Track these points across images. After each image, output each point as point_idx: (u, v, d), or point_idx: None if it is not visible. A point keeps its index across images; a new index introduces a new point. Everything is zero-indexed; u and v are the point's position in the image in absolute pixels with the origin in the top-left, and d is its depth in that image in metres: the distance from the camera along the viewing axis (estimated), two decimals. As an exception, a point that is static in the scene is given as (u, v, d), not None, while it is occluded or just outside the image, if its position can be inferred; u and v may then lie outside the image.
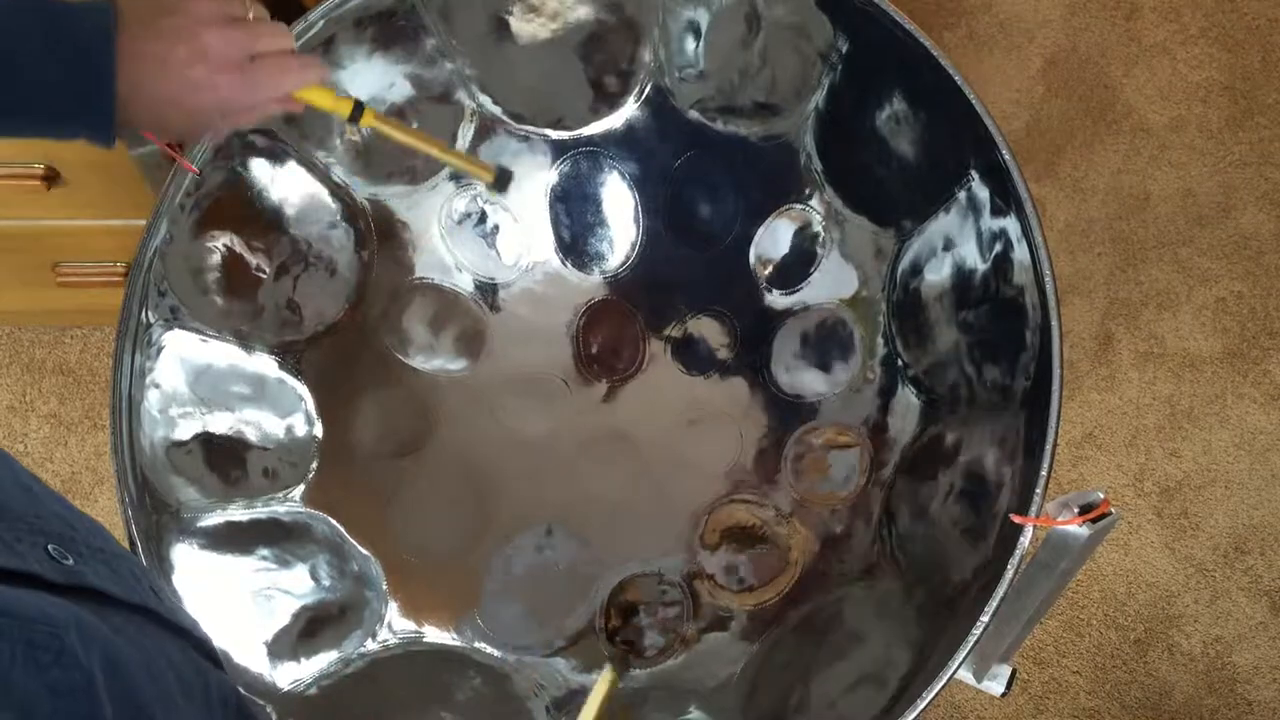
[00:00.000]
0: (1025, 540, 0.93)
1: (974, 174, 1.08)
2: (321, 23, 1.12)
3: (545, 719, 1.17)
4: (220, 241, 1.15)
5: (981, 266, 1.10)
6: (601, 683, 1.05)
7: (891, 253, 1.20)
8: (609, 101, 1.25)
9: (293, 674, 1.12)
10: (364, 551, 1.20)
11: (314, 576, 1.18)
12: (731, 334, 1.30)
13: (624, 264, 1.31)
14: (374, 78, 1.19)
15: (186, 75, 0.80)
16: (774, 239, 1.27)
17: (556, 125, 1.27)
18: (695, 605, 1.22)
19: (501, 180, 1.17)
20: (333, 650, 1.15)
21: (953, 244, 1.13)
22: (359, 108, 0.97)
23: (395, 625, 1.19)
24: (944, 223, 1.13)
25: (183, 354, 1.13)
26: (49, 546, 0.56)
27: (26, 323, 1.87)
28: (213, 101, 0.82)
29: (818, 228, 1.25)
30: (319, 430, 1.21)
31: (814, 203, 1.24)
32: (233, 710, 0.64)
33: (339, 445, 1.22)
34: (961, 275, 1.13)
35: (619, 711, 1.06)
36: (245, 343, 1.17)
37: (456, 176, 1.27)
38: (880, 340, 1.22)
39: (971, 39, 2.03)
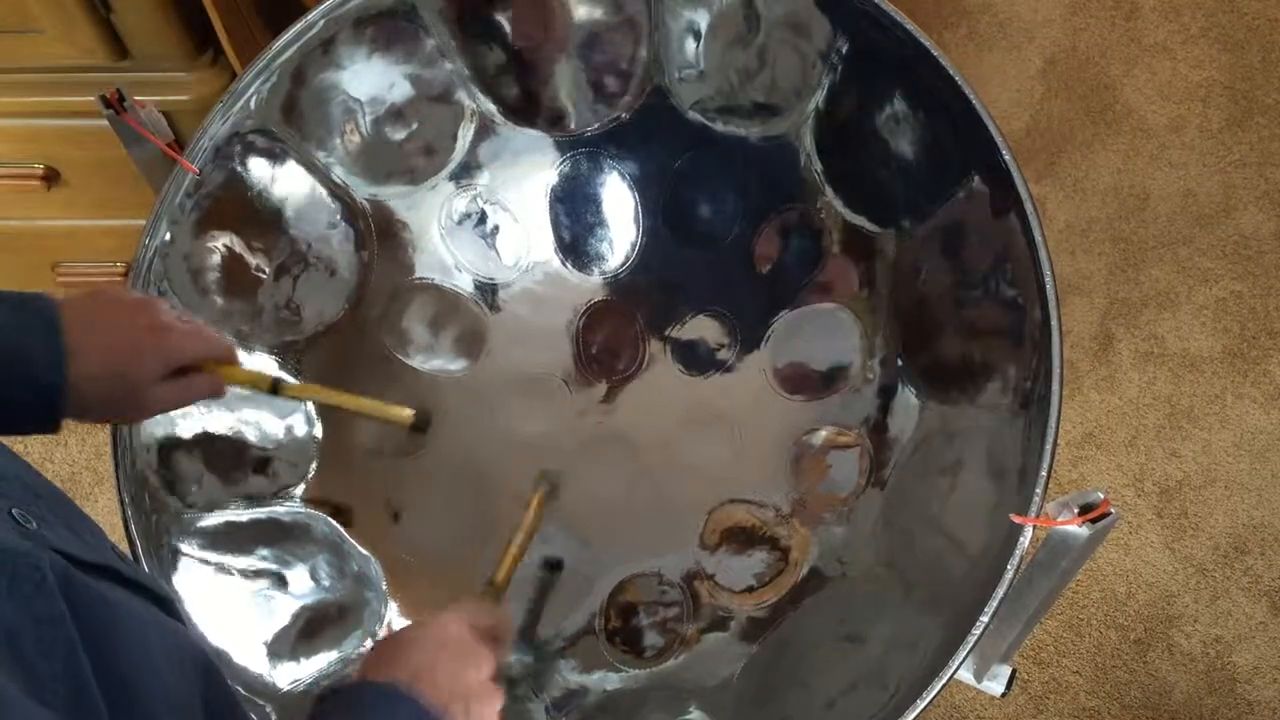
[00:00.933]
0: (1025, 540, 0.93)
1: (974, 174, 1.08)
2: (321, 22, 1.12)
3: (545, 719, 1.17)
4: (220, 241, 1.15)
5: (981, 267, 1.10)
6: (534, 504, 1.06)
7: (892, 253, 1.20)
8: (609, 101, 1.25)
9: (292, 674, 1.12)
10: (363, 551, 1.20)
11: (314, 576, 1.18)
12: (731, 334, 1.29)
13: (624, 264, 1.31)
14: (374, 78, 1.19)
15: (131, 321, 0.87)
16: (774, 239, 1.27)
17: (557, 125, 1.27)
18: (695, 605, 1.22)
19: (421, 423, 1.09)
20: (332, 650, 1.15)
21: (952, 244, 1.13)
22: (276, 383, 1.01)
23: (395, 625, 1.19)
24: (944, 223, 1.13)
25: (182, 354, 1.12)
26: (13, 510, 0.60)
27: (26, 323, 1.86)
28: (157, 343, 0.87)
29: (817, 228, 1.25)
30: (319, 430, 1.21)
31: (814, 203, 1.24)
32: (200, 668, 0.67)
33: (339, 445, 1.22)
34: (961, 275, 1.13)
35: (487, 590, 1.06)
36: (245, 343, 1.18)
37: (456, 176, 1.27)
38: (880, 340, 1.22)
39: (971, 39, 2.03)
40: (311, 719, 0.73)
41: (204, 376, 0.93)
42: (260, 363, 1.19)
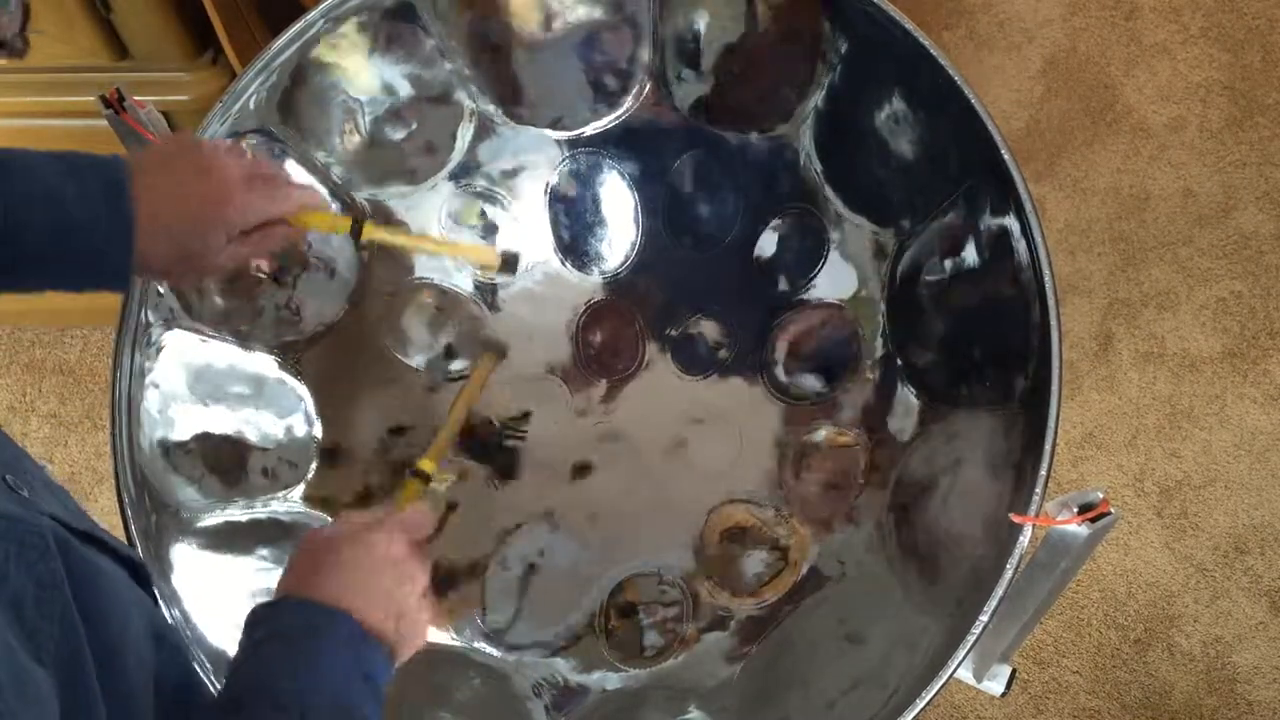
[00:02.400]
0: (1025, 540, 0.93)
1: (974, 174, 1.07)
2: (321, 22, 1.12)
3: (545, 719, 1.17)
4: (318, 190, 1.15)
5: (981, 267, 1.10)
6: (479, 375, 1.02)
7: (891, 253, 1.20)
8: (609, 101, 1.25)
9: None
10: (364, 551, 1.19)
11: (314, 576, 1.17)
12: (731, 334, 1.29)
13: (623, 264, 1.31)
14: (374, 78, 1.19)
15: (199, 190, 0.87)
16: (774, 239, 1.27)
17: (556, 125, 1.26)
18: (695, 605, 1.22)
19: (509, 264, 1.15)
20: (332, 650, 1.15)
21: (952, 244, 1.13)
22: (358, 225, 1.01)
23: (395, 625, 1.19)
24: (944, 223, 1.13)
25: (182, 354, 1.13)
26: (6, 477, 0.62)
27: (26, 323, 1.87)
28: (224, 213, 0.87)
29: (817, 228, 1.25)
30: (318, 430, 1.21)
31: (814, 203, 1.24)
32: (158, 635, 0.70)
33: (339, 445, 1.22)
34: (961, 275, 1.13)
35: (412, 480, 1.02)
36: (245, 343, 1.18)
37: (456, 176, 1.27)
38: (880, 340, 1.22)
39: (971, 39, 2.03)
40: (252, 644, 0.71)
41: (278, 229, 0.92)
42: (261, 362, 1.19)
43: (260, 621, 0.73)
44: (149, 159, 0.87)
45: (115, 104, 1.06)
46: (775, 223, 1.26)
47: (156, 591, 0.95)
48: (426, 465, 1.03)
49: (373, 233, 1.02)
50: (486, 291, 1.31)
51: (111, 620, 0.62)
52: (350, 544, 0.79)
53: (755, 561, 1.23)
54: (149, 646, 0.68)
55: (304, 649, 0.70)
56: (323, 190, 0.99)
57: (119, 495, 1.05)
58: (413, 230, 1.27)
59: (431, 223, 1.28)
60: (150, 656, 0.68)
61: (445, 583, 1.21)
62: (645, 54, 1.21)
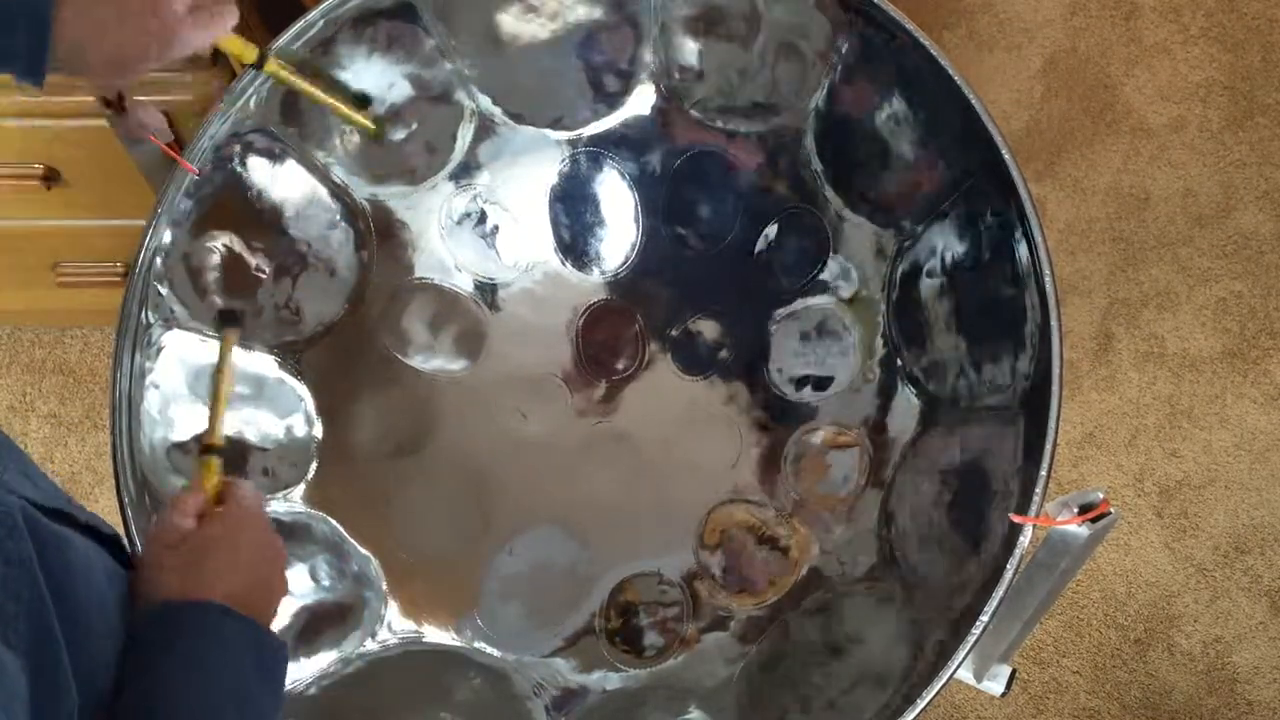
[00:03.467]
0: (1025, 540, 0.93)
1: (974, 174, 1.07)
2: (321, 22, 1.12)
3: (545, 719, 1.17)
4: (220, 241, 1.15)
5: (981, 267, 1.10)
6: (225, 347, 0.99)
7: (891, 253, 1.20)
8: (609, 101, 1.25)
9: (292, 674, 1.12)
10: (363, 551, 1.20)
11: (314, 576, 1.18)
12: (731, 334, 1.29)
13: (624, 264, 1.31)
14: (374, 78, 1.19)
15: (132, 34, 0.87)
16: (774, 240, 1.27)
17: (556, 125, 1.26)
18: (695, 605, 1.22)
19: (379, 133, 1.20)
20: (332, 650, 1.15)
21: (952, 244, 1.13)
22: (263, 56, 1.05)
23: (395, 625, 1.19)
24: (944, 223, 1.13)
25: (182, 354, 1.13)
26: None
27: (26, 323, 1.87)
28: (154, 31, 0.87)
29: (818, 228, 1.25)
30: (318, 430, 1.21)
31: (814, 203, 1.24)
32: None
33: (339, 445, 1.22)
34: (961, 275, 1.13)
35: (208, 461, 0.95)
36: (245, 343, 1.17)
37: (456, 176, 1.27)
38: (880, 340, 1.22)
39: (971, 39, 2.03)
40: (133, 657, 0.68)
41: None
42: (260, 362, 1.19)
43: (138, 630, 0.70)
44: None
45: (115, 104, 1.06)
46: (775, 223, 1.26)
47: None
48: (216, 440, 0.96)
49: (275, 68, 1.07)
50: (487, 291, 1.31)
51: (84, 599, 0.62)
52: (218, 532, 0.79)
53: (755, 561, 1.23)
54: (123, 618, 0.68)
55: (196, 652, 0.70)
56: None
57: (119, 495, 1.05)
58: (413, 229, 1.27)
59: (431, 222, 1.28)
60: (125, 627, 0.68)
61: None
62: (645, 54, 1.21)
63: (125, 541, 0.77)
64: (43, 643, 0.56)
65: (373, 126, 1.18)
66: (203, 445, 0.93)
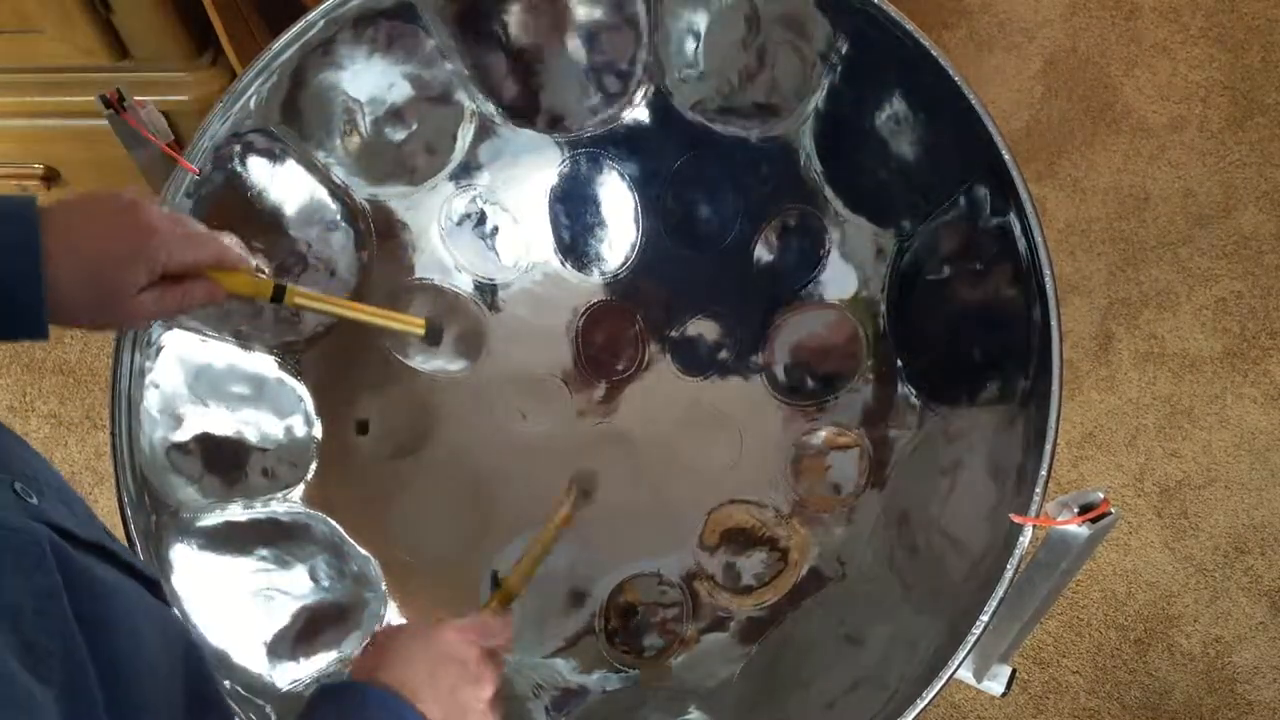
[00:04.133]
0: (1025, 540, 0.93)
1: (974, 174, 1.07)
2: (321, 22, 1.12)
3: (545, 719, 1.17)
4: (239, 250, 1.15)
5: (981, 267, 1.10)
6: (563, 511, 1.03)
7: (891, 253, 1.20)
8: (609, 101, 1.25)
9: (292, 674, 1.12)
10: (363, 552, 1.20)
11: (313, 577, 1.18)
12: (731, 335, 1.29)
13: (624, 265, 1.31)
14: (374, 78, 1.19)
15: (118, 224, 0.84)
16: (774, 240, 1.27)
17: (556, 125, 1.27)
18: (695, 606, 1.22)
19: (433, 334, 1.12)
20: (332, 650, 1.15)
21: (952, 244, 1.13)
22: (280, 290, 0.98)
23: (395, 625, 1.19)
24: (944, 223, 1.13)
25: (182, 354, 1.13)
26: (15, 485, 0.60)
27: (26, 323, 1.87)
28: (142, 248, 0.84)
29: (817, 228, 1.25)
30: (318, 430, 1.21)
31: (814, 203, 1.24)
32: (184, 650, 0.68)
33: (338, 445, 1.22)
34: (961, 275, 1.13)
35: (496, 593, 1.01)
36: (244, 343, 1.18)
37: (456, 177, 1.27)
38: (880, 340, 1.22)
39: (971, 39, 2.03)
40: (308, 715, 0.72)
41: (199, 283, 0.90)
42: (261, 362, 1.19)
43: (324, 694, 0.74)
44: (66, 201, 0.84)
45: (115, 104, 1.06)
46: (775, 223, 1.26)
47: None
48: (513, 583, 1.02)
49: (295, 298, 1.00)
50: (487, 292, 1.31)
51: (119, 634, 0.61)
52: (419, 639, 0.80)
53: (755, 562, 1.23)
54: (164, 657, 0.66)
55: None
56: (245, 254, 0.97)
57: (119, 495, 1.05)
58: (413, 229, 1.27)
59: (432, 223, 1.28)
60: (167, 667, 0.66)
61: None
62: (645, 54, 1.21)
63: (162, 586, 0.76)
64: (77, 678, 0.55)
65: (422, 328, 1.10)
66: (500, 582, 0.99)
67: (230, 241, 1.03)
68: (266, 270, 1.18)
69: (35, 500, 0.61)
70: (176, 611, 1.04)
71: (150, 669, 0.63)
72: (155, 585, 0.71)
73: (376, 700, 0.73)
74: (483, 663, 0.82)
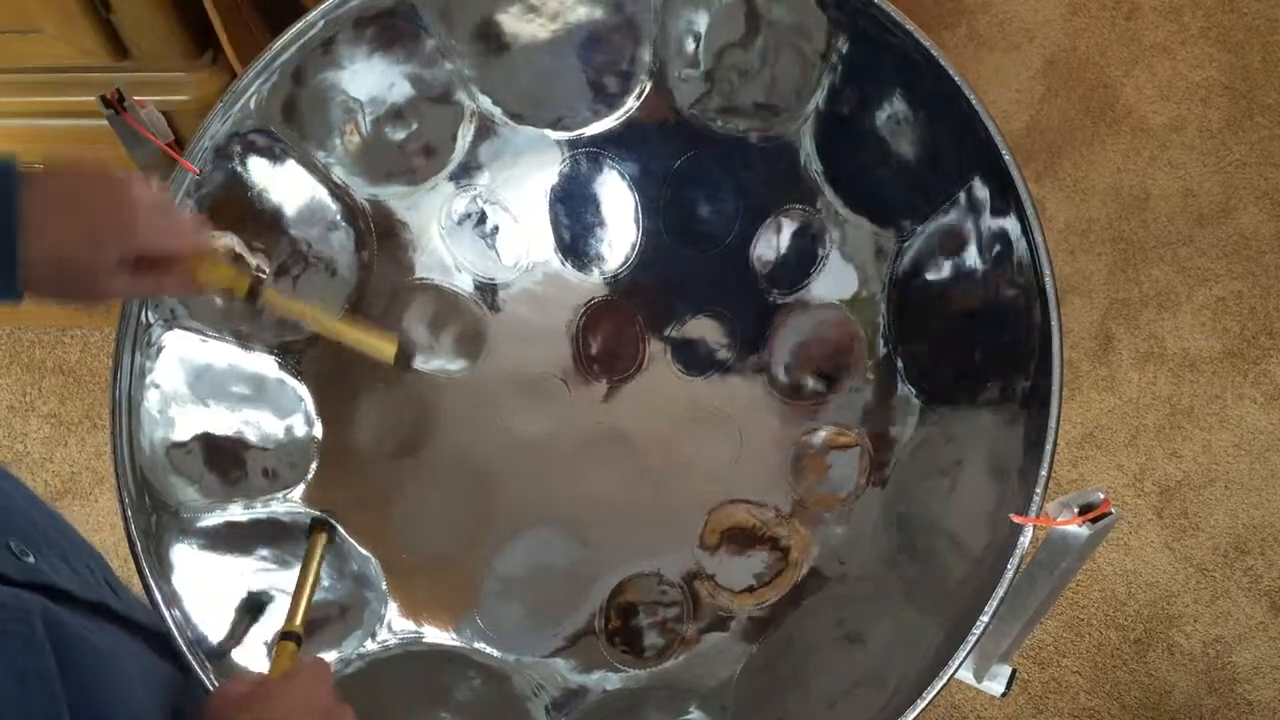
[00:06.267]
0: (1025, 540, 0.93)
1: (974, 174, 1.08)
2: (322, 22, 1.12)
3: (545, 719, 1.17)
4: (220, 242, 1.15)
5: (981, 267, 1.10)
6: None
7: (891, 253, 1.20)
8: (609, 101, 1.25)
9: (274, 640, 1.11)
10: (363, 552, 1.20)
11: (314, 577, 1.18)
12: (731, 334, 1.29)
13: (624, 264, 1.31)
14: (374, 78, 1.19)
15: (98, 200, 0.81)
16: (774, 240, 1.27)
17: (556, 125, 1.27)
18: (695, 605, 1.22)
19: (402, 359, 1.08)
20: (332, 650, 1.15)
21: (952, 244, 1.13)
22: (257, 286, 0.95)
23: (395, 625, 1.19)
24: (944, 223, 1.13)
25: (182, 354, 1.13)
26: (10, 543, 0.57)
27: (26, 323, 1.87)
28: (119, 226, 0.82)
29: (817, 228, 1.25)
30: (318, 430, 1.21)
31: (814, 203, 1.24)
32: (173, 706, 0.65)
33: (339, 445, 1.22)
34: (961, 275, 1.13)
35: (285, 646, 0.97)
36: (245, 343, 1.17)
37: (456, 177, 1.27)
38: (880, 340, 1.22)
39: (971, 39, 2.03)
40: None
41: (176, 271, 0.87)
42: (261, 362, 1.19)
43: None
44: (53, 165, 0.82)
45: (115, 104, 1.06)
46: (775, 223, 1.26)
47: (182, 651, 0.92)
48: (296, 627, 0.98)
49: (272, 299, 0.98)
50: (487, 291, 1.31)
51: (109, 703, 0.57)
52: (277, 687, 0.74)
53: (755, 561, 1.23)
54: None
55: None
56: (231, 241, 0.95)
57: (119, 495, 1.05)
58: (413, 229, 1.27)
59: (432, 223, 1.28)
60: None
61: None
62: (645, 54, 1.21)
63: (173, 631, 0.74)
64: None
65: (392, 351, 1.06)
66: (282, 631, 0.93)
67: (231, 241, 1.02)
68: (267, 270, 1.18)
69: (32, 559, 0.58)
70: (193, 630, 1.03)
71: None
72: (160, 639, 0.68)
73: None
74: (339, 705, 0.77)
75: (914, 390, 1.19)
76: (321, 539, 1.01)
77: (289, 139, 1.17)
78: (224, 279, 0.94)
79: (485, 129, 1.25)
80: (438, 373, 1.29)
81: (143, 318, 1.08)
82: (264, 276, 0.97)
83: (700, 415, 1.29)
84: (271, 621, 1.13)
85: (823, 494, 1.24)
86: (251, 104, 1.12)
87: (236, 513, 1.15)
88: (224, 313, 1.16)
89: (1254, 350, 1.82)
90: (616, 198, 1.30)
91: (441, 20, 1.18)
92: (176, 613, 1.05)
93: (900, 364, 1.20)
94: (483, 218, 1.30)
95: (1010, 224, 1.04)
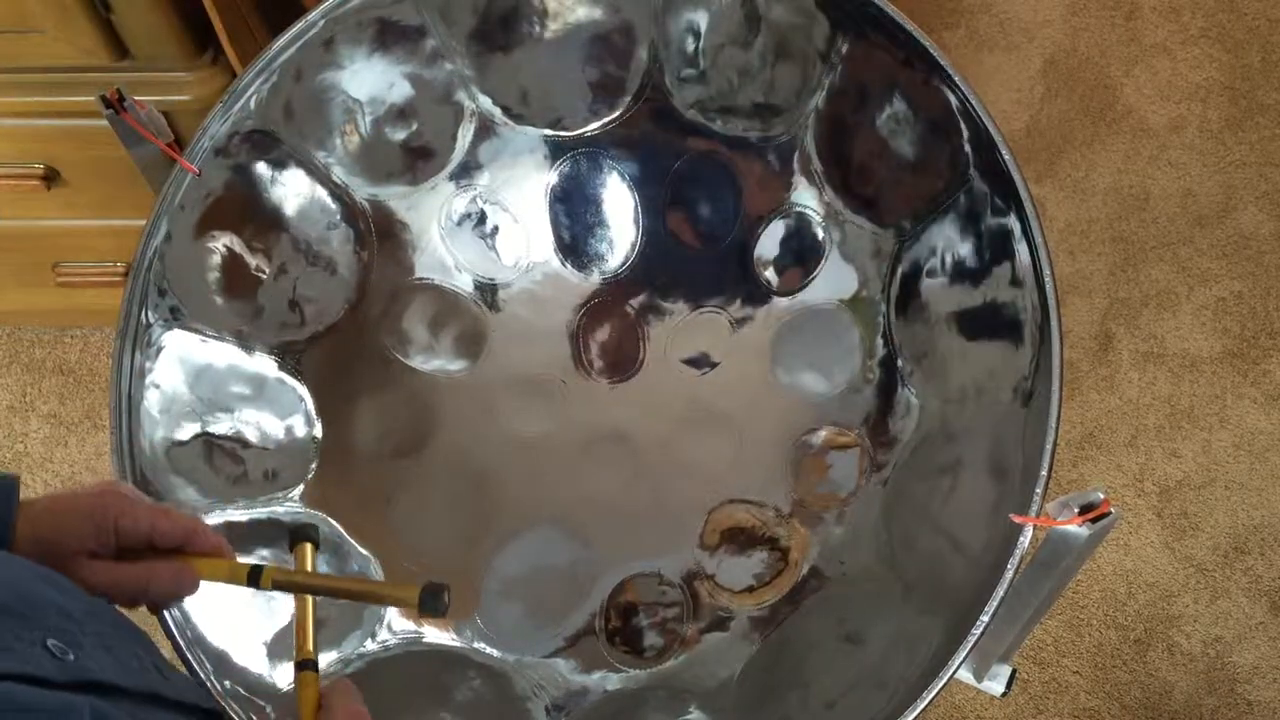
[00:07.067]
0: (1025, 540, 0.93)
1: (974, 174, 1.08)
2: (322, 22, 1.12)
3: (545, 719, 1.17)
4: (220, 241, 1.15)
5: (981, 267, 1.10)
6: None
7: (891, 253, 1.20)
8: (608, 102, 1.25)
9: (293, 675, 1.12)
10: (363, 551, 1.20)
11: (314, 577, 1.17)
12: (731, 335, 1.29)
13: (624, 264, 1.31)
14: (374, 78, 1.19)
15: (85, 487, 0.77)
16: (774, 240, 1.27)
17: (556, 125, 1.27)
18: (695, 605, 1.22)
19: (429, 603, 0.99)
20: (332, 650, 1.15)
21: (952, 244, 1.13)
22: (256, 571, 0.87)
23: (395, 625, 1.19)
24: (944, 223, 1.13)
25: (182, 354, 1.13)
26: (48, 642, 0.55)
27: (26, 323, 1.87)
28: (96, 502, 0.76)
29: (817, 228, 1.25)
30: (319, 430, 1.21)
31: (814, 203, 1.24)
32: None
33: (339, 445, 1.22)
34: (961, 275, 1.13)
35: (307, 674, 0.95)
36: (245, 343, 1.17)
37: (456, 177, 1.27)
38: (880, 340, 1.22)
39: (971, 39, 2.03)
40: None
41: (167, 564, 0.78)
42: (260, 363, 1.19)
43: None
44: (38, 499, 0.75)
45: (115, 104, 1.06)
46: (775, 223, 1.26)
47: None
48: (309, 654, 0.96)
49: (276, 577, 0.88)
50: (487, 291, 1.31)
51: None
52: None
53: (755, 561, 1.23)
54: None
55: None
56: (223, 541, 0.88)
57: (119, 495, 1.05)
58: (413, 229, 1.27)
59: (432, 223, 1.28)
60: None
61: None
62: (644, 54, 1.21)
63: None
64: None
65: (415, 599, 0.90)
66: (297, 661, 0.90)
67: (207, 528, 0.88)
68: (266, 270, 1.18)
69: (73, 656, 0.55)
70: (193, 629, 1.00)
71: None
72: (212, 716, 0.64)
73: None
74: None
75: (914, 390, 1.19)
76: (307, 550, 0.95)
77: (289, 139, 1.17)
78: (221, 572, 0.86)
79: (485, 129, 1.25)
80: (438, 373, 1.29)
81: (143, 318, 1.08)
82: (263, 565, 0.92)
83: (700, 415, 1.29)
84: (271, 621, 1.13)
85: (822, 494, 1.24)
86: (251, 104, 1.12)
87: (236, 513, 1.15)
88: (223, 312, 1.16)
89: (1254, 350, 1.82)
90: (616, 198, 1.30)
91: (441, 20, 1.18)
92: (176, 613, 1.05)
93: (900, 364, 1.20)
94: (483, 218, 1.30)
95: (1010, 224, 1.04)
